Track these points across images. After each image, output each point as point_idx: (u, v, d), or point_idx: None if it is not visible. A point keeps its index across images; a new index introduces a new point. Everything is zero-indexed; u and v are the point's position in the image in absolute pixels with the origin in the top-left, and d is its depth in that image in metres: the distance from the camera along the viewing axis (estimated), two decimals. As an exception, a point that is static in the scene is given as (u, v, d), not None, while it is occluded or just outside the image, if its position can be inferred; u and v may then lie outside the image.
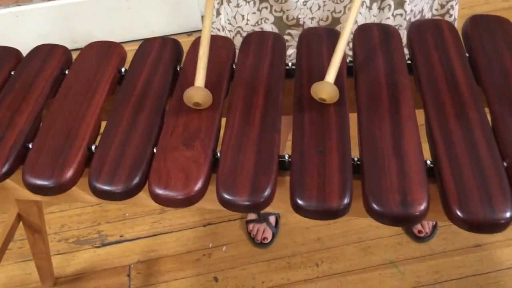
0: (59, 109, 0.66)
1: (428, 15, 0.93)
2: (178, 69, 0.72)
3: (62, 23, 1.92)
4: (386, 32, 0.71)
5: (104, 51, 0.74)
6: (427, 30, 0.71)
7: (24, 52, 0.75)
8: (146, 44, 0.74)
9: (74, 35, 1.94)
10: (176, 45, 0.74)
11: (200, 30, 2.05)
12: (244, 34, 0.90)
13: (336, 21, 0.87)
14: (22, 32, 1.90)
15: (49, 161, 0.60)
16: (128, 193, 0.58)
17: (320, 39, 0.71)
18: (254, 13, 0.86)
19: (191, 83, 0.64)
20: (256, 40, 0.73)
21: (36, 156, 0.61)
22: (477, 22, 0.71)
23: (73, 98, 0.67)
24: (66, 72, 0.72)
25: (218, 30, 0.95)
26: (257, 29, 0.88)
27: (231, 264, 1.37)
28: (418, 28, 0.71)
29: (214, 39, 0.73)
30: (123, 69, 0.72)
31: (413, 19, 0.90)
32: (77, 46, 1.95)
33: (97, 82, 0.69)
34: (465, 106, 0.60)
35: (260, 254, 1.38)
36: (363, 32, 0.72)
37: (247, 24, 0.88)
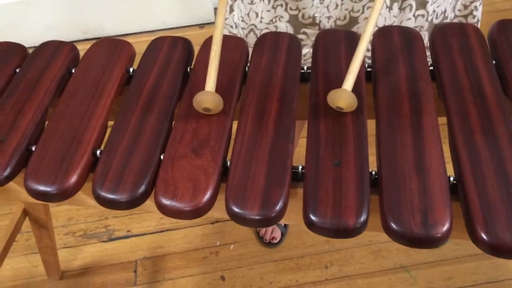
0: (64, 110, 0.63)
1: (451, 15, 0.88)
2: (188, 70, 0.69)
3: (72, 13, 1.89)
4: (408, 36, 0.68)
5: (113, 49, 0.71)
6: (452, 35, 0.67)
7: (33, 42, 0.73)
8: (156, 43, 0.71)
9: (84, 26, 1.91)
10: (187, 44, 0.71)
11: (212, 23, 2.02)
12: (258, 32, 0.86)
13: (354, 20, 0.83)
14: (32, 22, 1.88)
15: (53, 166, 0.58)
16: (134, 202, 0.55)
17: (338, 42, 0.68)
18: (269, 10, 0.83)
19: (202, 86, 0.61)
20: (270, 41, 0.69)
21: (39, 160, 0.58)
22: (505, 28, 0.67)
23: (79, 99, 0.65)
24: (73, 71, 0.69)
25: (231, 27, 0.92)
26: (271, 27, 0.85)
27: (238, 263, 1.35)
28: (442, 31, 0.68)
29: (227, 39, 0.70)
30: (131, 69, 0.70)
31: (435, 21, 0.86)
32: (87, 37, 1.93)
33: (104, 82, 0.66)
34: (492, 118, 0.57)
35: (269, 254, 1.36)
36: (383, 35, 0.68)
37: (261, 22, 0.85)
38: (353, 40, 0.67)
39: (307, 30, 0.85)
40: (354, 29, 0.83)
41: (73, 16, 1.90)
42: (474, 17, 0.89)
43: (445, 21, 0.87)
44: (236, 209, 0.53)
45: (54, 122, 0.62)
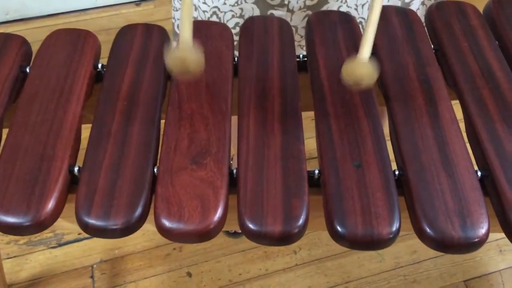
0: (25, 120, 0.53)
1: None
2: (169, 63, 0.60)
3: (-11, -8, 1.67)
4: (406, 16, 0.63)
5: (73, 42, 0.60)
6: (451, 14, 0.63)
7: None
8: (126, 32, 0.61)
9: (5, 5, 1.69)
10: (163, 33, 0.62)
11: (150, -1, 1.87)
12: (221, 15, 0.78)
13: (324, 0, 0.77)
14: None
15: (22, 190, 0.47)
16: (130, 229, 0.47)
17: (333, 26, 0.62)
18: None
19: (189, 82, 0.52)
20: (259, 27, 0.62)
21: (4, 184, 0.48)
22: (503, 5, 0.64)
23: (41, 105, 0.54)
24: (27, 70, 0.58)
25: None
26: (236, 9, 0.77)
27: (204, 257, 1.28)
28: (440, 11, 0.64)
29: (207, 26, 0.62)
30: (99, 65, 0.59)
31: (407, 0, 0.82)
32: (8, 18, 1.72)
33: (70, 84, 0.56)
34: (509, 106, 0.54)
35: (235, 244, 1.30)
36: (381, 16, 0.63)
37: (224, 3, 0.76)
38: (350, 23, 0.61)
39: (275, 12, 0.78)
40: (324, 8, 0.77)
41: (-10, -5, 1.68)
42: None
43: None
44: (254, 227, 0.46)
45: (15, 137, 0.51)
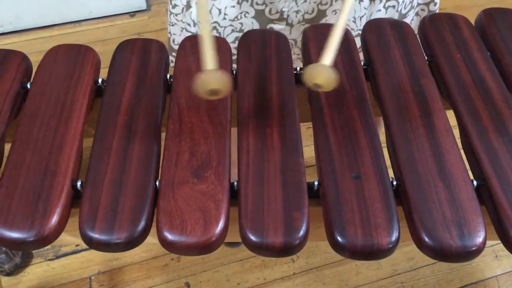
0: (27, 137, 0.53)
1: (415, 3, 0.87)
2: (168, 78, 0.60)
3: (-17, 4, 1.67)
4: (400, 29, 0.64)
5: (73, 57, 0.61)
6: (443, 26, 0.64)
7: None
8: (124, 47, 0.62)
9: (-1, 18, 1.70)
10: (161, 47, 0.62)
11: (144, 10, 1.89)
12: (221, 30, 0.79)
13: (322, 13, 0.79)
14: None
15: (26, 206, 0.48)
16: (133, 242, 0.47)
17: (328, 39, 0.63)
18: (233, 6, 0.76)
19: (189, 95, 0.53)
20: (256, 41, 0.63)
21: (8, 201, 0.48)
22: (493, 17, 0.65)
23: (43, 121, 0.54)
24: (28, 86, 0.58)
25: (189, 25, 0.84)
26: (236, 24, 0.78)
27: (202, 267, 1.29)
28: (433, 24, 0.65)
29: (206, 40, 0.62)
30: (100, 80, 0.60)
31: (403, 11, 0.83)
32: (3, 31, 1.72)
33: (71, 99, 0.56)
34: (502, 116, 0.55)
35: (233, 254, 1.31)
36: (374, 29, 0.64)
37: (224, 18, 0.78)
38: (344, 35, 0.62)
39: (274, 26, 0.79)
40: (322, 21, 0.79)
41: (-17, 8, 1.68)
42: (435, 4, 0.88)
43: (411, 10, 0.86)
44: (255, 239, 0.47)
45: (17, 153, 0.52)
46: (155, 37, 0.64)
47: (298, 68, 0.62)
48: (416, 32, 0.68)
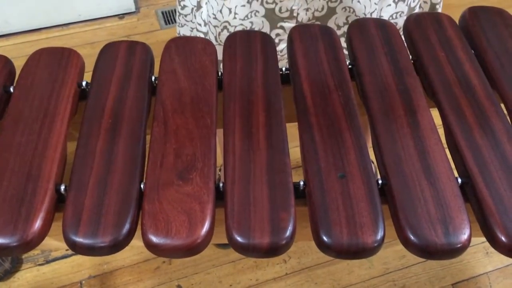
0: (9, 141, 0.53)
1: None
2: (153, 79, 0.60)
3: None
4: (385, 28, 0.64)
5: (57, 60, 0.60)
6: (428, 25, 0.65)
7: None
8: (108, 49, 0.62)
9: (-14, 22, 1.69)
10: (146, 49, 0.62)
11: (134, 12, 1.88)
12: (232, 29, 0.79)
13: (332, 11, 0.78)
14: None
15: (8, 211, 0.47)
16: (118, 246, 0.47)
17: (314, 38, 0.63)
18: (244, 5, 0.76)
19: (174, 97, 0.53)
20: (242, 41, 0.63)
21: (-10, 207, 0.48)
22: (477, 15, 0.66)
23: (26, 125, 0.54)
24: (11, 89, 0.58)
25: (199, 24, 0.84)
26: (246, 23, 0.78)
27: (194, 270, 1.28)
28: (417, 22, 0.65)
29: (192, 41, 0.62)
30: (83, 83, 0.60)
31: (412, 4, 0.83)
32: (-9, 35, 1.71)
33: (54, 103, 0.56)
34: (486, 113, 0.55)
35: (225, 255, 1.31)
36: (359, 29, 0.64)
37: (234, 18, 0.78)
38: (330, 35, 0.62)
39: (284, 24, 0.79)
40: (332, 19, 0.79)
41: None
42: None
43: (418, 3, 0.85)
44: (242, 240, 0.47)
45: (0, 158, 0.51)
46: (144, 39, 0.64)
47: (283, 68, 0.62)
48: (400, 31, 0.68)
